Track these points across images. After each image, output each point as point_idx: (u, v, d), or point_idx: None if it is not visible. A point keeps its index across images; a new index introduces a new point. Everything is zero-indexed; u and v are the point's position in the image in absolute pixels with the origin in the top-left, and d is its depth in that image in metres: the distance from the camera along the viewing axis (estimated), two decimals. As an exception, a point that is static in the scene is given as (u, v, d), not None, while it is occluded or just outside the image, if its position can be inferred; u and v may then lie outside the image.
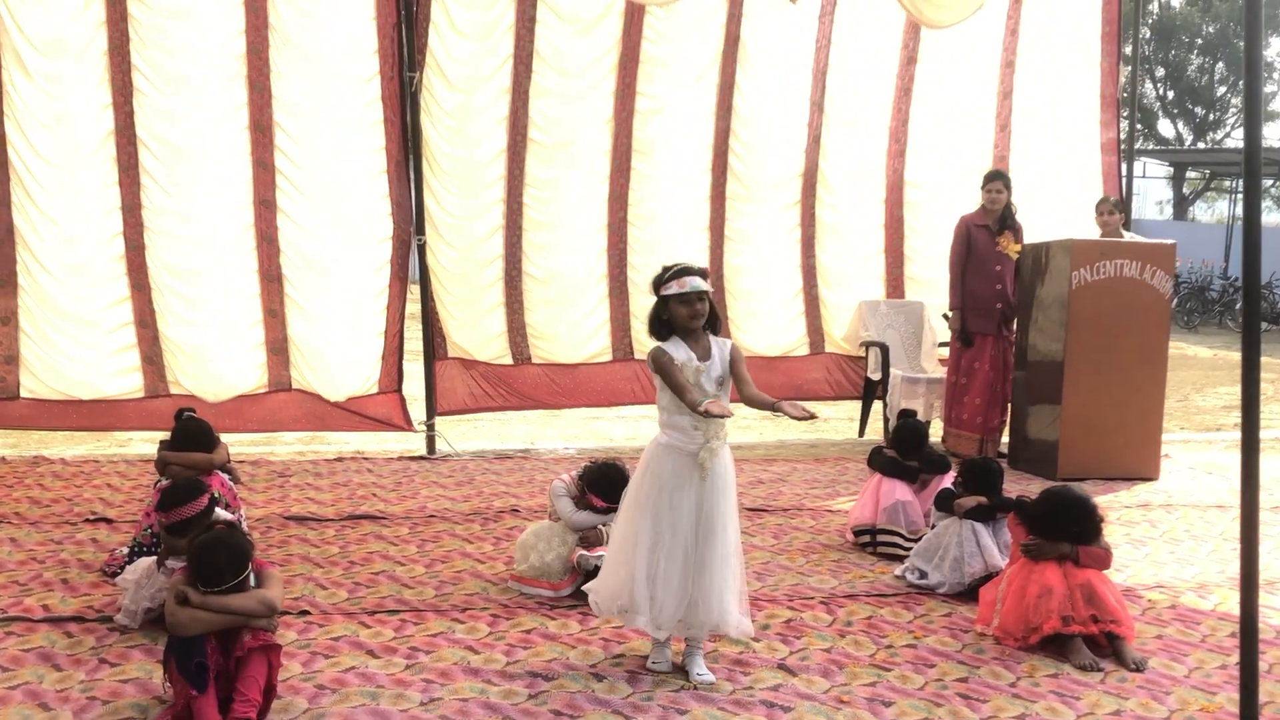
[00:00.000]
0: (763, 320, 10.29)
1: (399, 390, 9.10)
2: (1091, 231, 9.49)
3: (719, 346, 4.44)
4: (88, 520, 6.68)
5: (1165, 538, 6.95)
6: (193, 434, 5.90)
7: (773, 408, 4.20)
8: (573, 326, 9.68)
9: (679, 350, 4.36)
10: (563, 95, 9.30)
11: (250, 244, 8.73)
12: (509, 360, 9.54)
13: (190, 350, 8.73)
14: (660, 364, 4.36)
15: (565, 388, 9.73)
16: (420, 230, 8.95)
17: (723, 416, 4.17)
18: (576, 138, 9.44)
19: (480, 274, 9.36)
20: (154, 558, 4.87)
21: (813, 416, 4.16)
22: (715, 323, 4.47)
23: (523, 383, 9.60)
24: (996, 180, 9.24)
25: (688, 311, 4.35)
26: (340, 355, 9.00)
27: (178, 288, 8.68)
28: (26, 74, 8.17)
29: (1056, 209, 10.26)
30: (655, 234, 9.70)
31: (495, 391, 9.52)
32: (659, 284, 4.41)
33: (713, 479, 4.38)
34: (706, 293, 4.37)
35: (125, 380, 8.70)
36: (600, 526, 5.48)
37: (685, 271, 4.37)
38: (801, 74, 9.94)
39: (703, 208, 9.93)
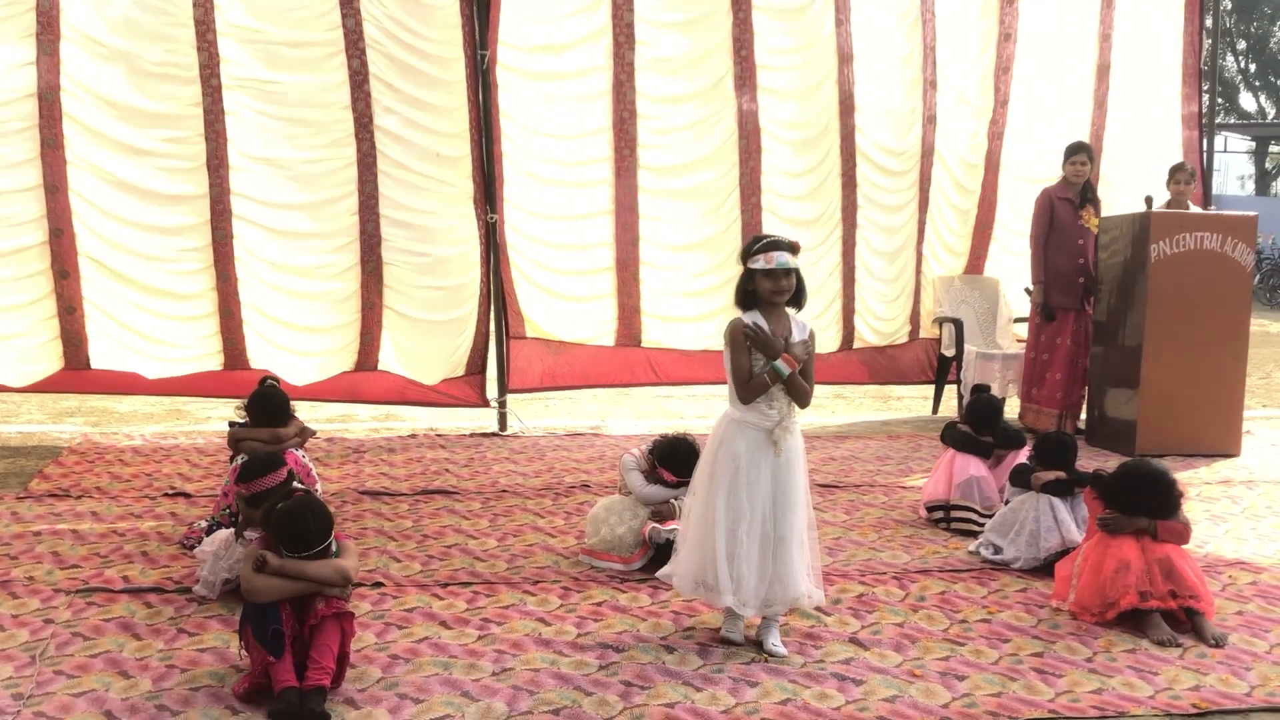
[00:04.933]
0: (884, 307, 10.19)
1: (482, 372, 9.10)
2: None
3: (799, 329, 4.42)
4: (167, 495, 6.79)
5: (1246, 514, 6.83)
6: (268, 401, 5.95)
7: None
8: (693, 321, 9.58)
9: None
10: (675, 79, 9.25)
11: (353, 238, 8.65)
12: (610, 341, 9.45)
13: (280, 343, 8.68)
14: (734, 341, 4.37)
15: (664, 367, 9.65)
16: (492, 209, 8.90)
17: (788, 371, 4.27)
18: (694, 129, 9.36)
19: (586, 259, 9.31)
20: (231, 529, 4.95)
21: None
22: (800, 299, 4.44)
23: (617, 362, 9.51)
24: (1080, 153, 9.10)
25: (771, 286, 4.33)
26: (434, 344, 8.95)
27: (274, 280, 8.61)
28: (132, 67, 8.12)
29: (1138, 183, 10.10)
30: (781, 222, 9.57)
31: (575, 370, 9.42)
32: (746, 255, 4.40)
33: (786, 455, 4.38)
34: (794, 269, 4.34)
35: (204, 363, 8.65)
36: (672, 500, 5.47)
37: (774, 245, 4.34)
38: (913, 48, 9.83)
39: (834, 196, 9.80)
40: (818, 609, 4.81)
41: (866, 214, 9.90)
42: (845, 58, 9.62)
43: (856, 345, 10.05)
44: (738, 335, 4.36)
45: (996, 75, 10.14)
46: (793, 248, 4.36)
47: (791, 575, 4.39)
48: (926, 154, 9.99)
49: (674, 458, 5.54)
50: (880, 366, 10.30)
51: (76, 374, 8.46)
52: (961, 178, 10.25)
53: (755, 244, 4.39)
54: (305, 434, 6.07)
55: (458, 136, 8.75)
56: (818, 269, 9.64)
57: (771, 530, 4.38)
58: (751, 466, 4.37)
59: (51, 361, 8.37)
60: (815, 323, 9.61)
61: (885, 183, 9.93)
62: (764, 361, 4.31)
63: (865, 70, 9.72)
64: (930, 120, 9.96)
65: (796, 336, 4.39)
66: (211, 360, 8.62)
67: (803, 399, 4.41)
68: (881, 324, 10.19)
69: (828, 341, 9.83)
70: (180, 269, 8.44)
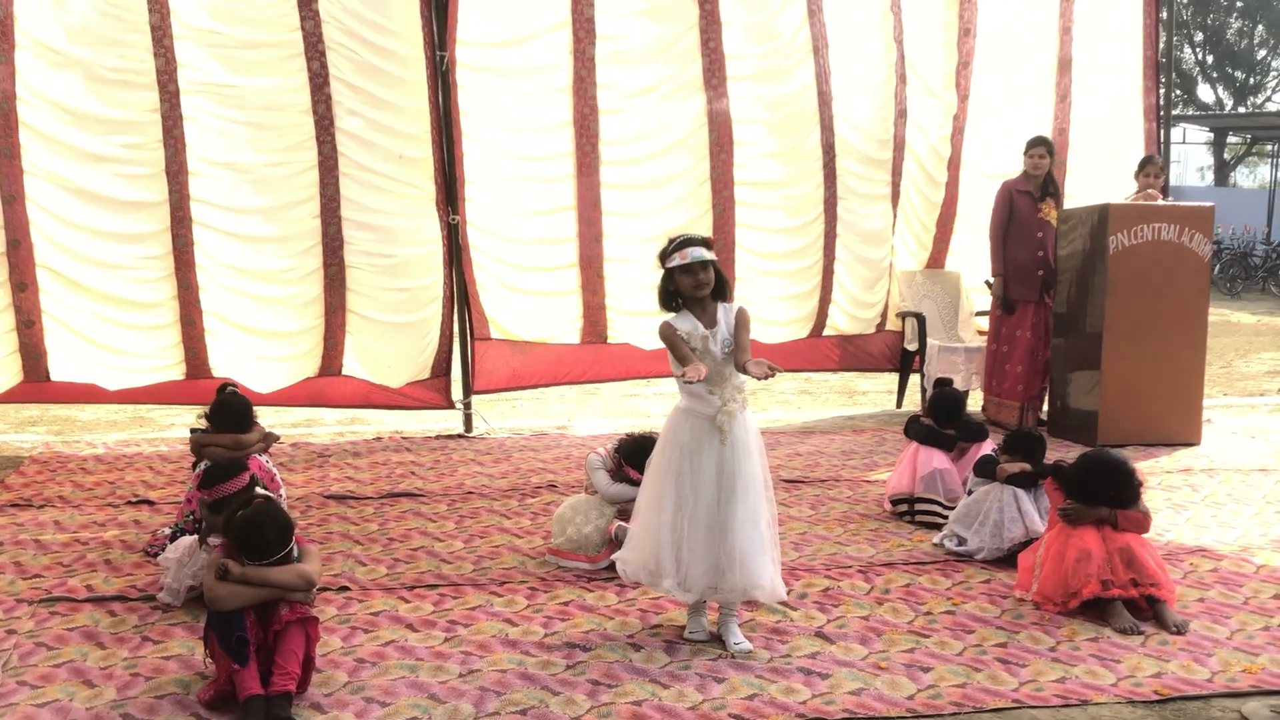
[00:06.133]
0: (864, 297, 10.21)
1: (447, 374, 9.05)
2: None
3: (725, 312, 4.48)
4: (130, 502, 6.75)
5: (1207, 501, 6.90)
6: (230, 409, 5.92)
7: (743, 370, 4.31)
8: (659, 315, 9.47)
9: (684, 321, 4.43)
10: (637, 70, 9.19)
11: (315, 241, 8.57)
12: (575, 339, 9.40)
13: (243, 350, 8.59)
14: (666, 337, 4.45)
15: (631, 361, 9.62)
16: (453, 210, 8.86)
17: (694, 381, 4.20)
18: (657, 120, 9.31)
19: (550, 256, 9.24)
20: (195, 536, 4.92)
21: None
22: (723, 290, 4.51)
23: (583, 359, 9.47)
24: (1040, 146, 9.16)
25: (691, 281, 4.41)
26: (398, 347, 8.88)
27: (236, 285, 8.51)
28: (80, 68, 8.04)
29: (1100, 175, 10.19)
30: (764, 219, 9.63)
31: (541, 369, 9.37)
32: (663, 256, 4.48)
33: (733, 442, 4.40)
34: (710, 262, 4.42)
35: (166, 373, 8.57)
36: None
37: (687, 242, 4.44)
38: (885, 40, 9.83)
39: (814, 185, 9.77)
40: (783, 604, 4.84)
41: (848, 204, 9.88)
42: (819, 48, 9.58)
43: (827, 333, 10.07)
44: (665, 333, 4.44)
45: (958, 70, 10.17)
46: (706, 242, 4.47)
47: (738, 564, 4.38)
48: (898, 148, 10.01)
49: (639, 456, 5.49)
50: (848, 353, 10.34)
51: (36, 386, 8.38)
52: (933, 170, 10.26)
53: (670, 245, 4.49)
54: (269, 439, 6.04)
55: (419, 138, 8.70)
56: (798, 257, 9.72)
57: (716, 517, 4.39)
58: (696, 454, 4.41)
59: (10, 375, 8.29)
60: (796, 309, 9.69)
61: (865, 171, 9.93)
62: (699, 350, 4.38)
63: (841, 61, 9.70)
64: (901, 114, 9.98)
65: (723, 322, 4.43)
66: (173, 370, 8.54)
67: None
68: (860, 310, 10.19)
69: (802, 328, 9.89)
70: (141, 277, 8.34)
